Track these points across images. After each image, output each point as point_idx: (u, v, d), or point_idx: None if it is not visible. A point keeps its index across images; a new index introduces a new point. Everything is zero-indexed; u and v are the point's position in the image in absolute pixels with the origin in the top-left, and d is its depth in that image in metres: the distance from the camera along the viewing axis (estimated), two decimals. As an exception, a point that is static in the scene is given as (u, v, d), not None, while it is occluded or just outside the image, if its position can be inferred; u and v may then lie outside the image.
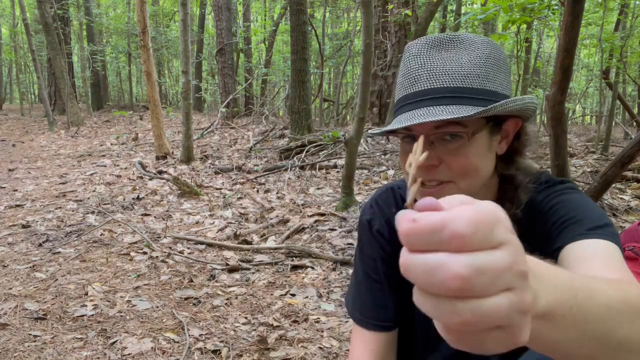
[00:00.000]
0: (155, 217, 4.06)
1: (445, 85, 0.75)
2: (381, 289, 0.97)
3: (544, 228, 0.80)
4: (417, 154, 0.59)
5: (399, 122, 0.76)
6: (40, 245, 3.31)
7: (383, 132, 0.80)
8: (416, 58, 0.78)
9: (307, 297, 2.47)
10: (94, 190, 5.05)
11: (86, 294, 2.48)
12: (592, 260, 0.68)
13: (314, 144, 6.30)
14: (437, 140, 0.76)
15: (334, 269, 2.83)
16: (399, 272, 1.04)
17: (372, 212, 0.99)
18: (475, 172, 0.78)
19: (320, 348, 1.95)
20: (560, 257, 0.73)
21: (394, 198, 0.98)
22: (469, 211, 0.34)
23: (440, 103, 0.74)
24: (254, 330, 2.12)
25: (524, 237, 0.82)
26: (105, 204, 4.42)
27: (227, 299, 2.46)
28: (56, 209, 4.32)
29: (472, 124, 0.75)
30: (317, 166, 5.68)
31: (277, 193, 4.81)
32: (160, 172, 5.82)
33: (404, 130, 0.78)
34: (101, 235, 3.53)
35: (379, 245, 0.97)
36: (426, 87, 0.76)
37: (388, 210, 0.97)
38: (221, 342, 2.02)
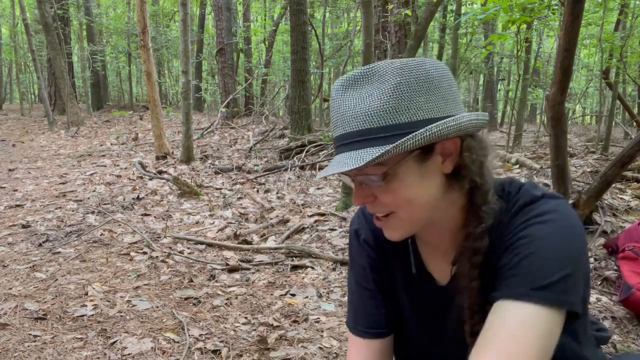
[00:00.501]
0: (155, 217, 4.06)
1: (355, 129, 0.75)
2: (372, 297, 0.98)
3: (504, 262, 0.78)
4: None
5: (328, 168, 0.79)
6: (40, 245, 3.31)
7: (328, 174, 0.81)
8: (334, 102, 0.79)
9: (307, 297, 2.47)
10: (94, 190, 5.05)
11: (86, 294, 2.48)
12: (492, 344, 0.70)
13: (314, 144, 6.30)
14: (365, 180, 0.78)
15: (334, 269, 2.83)
16: (388, 279, 1.05)
17: (359, 221, 1.01)
18: (409, 203, 0.78)
19: (320, 348, 1.95)
20: (491, 311, 0.74)
21: None
22: None
23: (352, 148, 0.76)
24: (254, 330, 2.12)
25: (490, 268, 0.79)
26: (105, 204, 4.42)
27: (227, 299, 2.46)
28: (56, 209, 4.32)
29: (390, 161, 0.74)
30: (317, 166, 5.68)
31: (277, 193, 4.81)
32: (160, 172, 5.82)
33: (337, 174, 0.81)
34: (101, 235, 3.53)
35: (366, 254, 0.98)
36: (341, 133, 0.77)
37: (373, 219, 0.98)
38: (221, 342, 2.02)
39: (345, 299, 2.44)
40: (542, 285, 0.70)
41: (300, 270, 2.85)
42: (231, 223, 3.84)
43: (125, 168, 6.40)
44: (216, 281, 2.71)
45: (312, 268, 2.85)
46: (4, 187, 5.34)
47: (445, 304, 0.90)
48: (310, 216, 3.81)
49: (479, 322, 0.80)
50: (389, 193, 0.77)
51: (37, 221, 3.88)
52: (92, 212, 4.14)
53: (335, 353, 1.92)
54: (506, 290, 0.73)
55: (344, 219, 3.65)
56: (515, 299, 0.71)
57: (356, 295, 1.00)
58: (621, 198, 3.57)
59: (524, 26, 5.27)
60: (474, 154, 0.80)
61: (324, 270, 2.82)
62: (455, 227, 0.85)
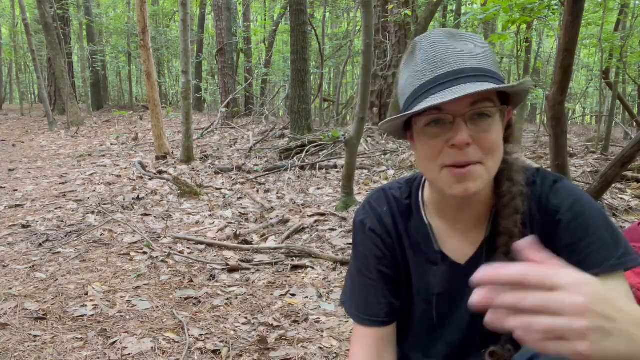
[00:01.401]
0: (155, 217, 4.05)
1: (473, 66, 0.79)
2: (374, 286, 0.99)
3: (550, 228, 0.83)
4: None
5: (435, 100, 0.76)
6: (40, 245, 3.31)
7: (406, 115, 0.80)
8: (438, 44, 0.81)
9: (307, 297, 2.47)
10: (94, 190, 5.05)
11: (86, 294, 2.48)
12: None
13: (314, 144, 6.30)
14: (469, 119, 0.78)
15: (334, 269, 2.83)
16: (392, 268, 1.06)
17: (365, 212, 1.02)
18: (499, 151, 0.81)
19: (320, 348, 1.95)
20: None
21: (385, 198, 1.01)
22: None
23: (474, 80, 0.77)
24: (254, 330, 2.12)
25: (525, 225, 0.83)
26: (105, 204, 4.42)
27: (227, 299, 2.46)
28: (56, 209, 4.32)
29: (496, 104, 0.80)
30: (317, 166, 5.68)
31: (277, 193, 4.81)
32: (160, 172, 5.82)
33: (435, 112, 0.78)
34: (101, 235, 3.53)
35: (372, 242, 0.99)
36: (457, 68, 0.78)
37: (380, 209, 1.00)
38: (221, 342, 2.02)
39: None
40: (625, 252, 0.79)
41: (300, 270, 2.85)
42: (231, 223, 3.84)
43: (125, 168, 6.41)
44: (216, 281, 2.71)
45: (312, 268, 2.85)
46: (4, 187, 5.34)
47: (460, 284, 0.90)
48: (310, 216, 3.81)
49: None
50: (491, 134, 0.79)
51: (37, 221, 3.88)
52: (92, 212, 4.14)
53: (335, 353, 1.92)
54: (596, 262, 0.79)
55: (344, 219, 3.65)
56: (614, 270, 0.78)
57: (358, 283, 1.01)
58: (621, 198, 3.58)
59: (524, 26, 5.27)
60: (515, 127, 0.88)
61: (324, 270, 2.82)
62: (487, 199, 0.88)
